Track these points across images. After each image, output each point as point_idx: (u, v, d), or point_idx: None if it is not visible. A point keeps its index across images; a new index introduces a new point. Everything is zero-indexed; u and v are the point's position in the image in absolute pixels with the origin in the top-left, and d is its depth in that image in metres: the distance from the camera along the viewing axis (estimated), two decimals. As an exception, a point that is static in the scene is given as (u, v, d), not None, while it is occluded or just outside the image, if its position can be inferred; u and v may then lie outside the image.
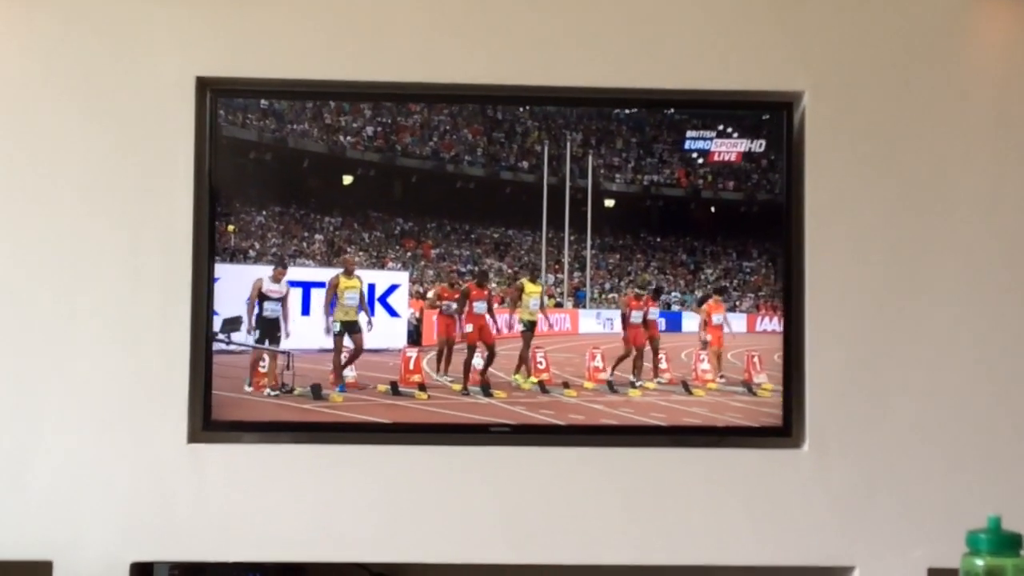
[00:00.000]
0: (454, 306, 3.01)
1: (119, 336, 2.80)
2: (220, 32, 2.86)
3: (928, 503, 2.83)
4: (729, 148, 2.99)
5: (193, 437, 2.82)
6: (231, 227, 2.90)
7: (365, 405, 2.91)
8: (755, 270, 3.06)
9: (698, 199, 3.07)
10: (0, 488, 2.76)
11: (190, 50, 2.85)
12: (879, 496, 2.84)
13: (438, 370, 2.98)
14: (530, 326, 3.01)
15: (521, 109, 3.04)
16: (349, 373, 2.94)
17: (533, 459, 2.84)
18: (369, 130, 3.00)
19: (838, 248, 2.89)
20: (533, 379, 2.99)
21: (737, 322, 3.06)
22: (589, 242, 3.02)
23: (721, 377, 3.01)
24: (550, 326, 3.05)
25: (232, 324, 2.87)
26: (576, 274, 3.06)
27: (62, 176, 2.83)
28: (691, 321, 3.09)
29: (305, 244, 2.97)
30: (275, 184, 2.99)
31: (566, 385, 3.01)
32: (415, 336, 2.99)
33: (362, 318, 2.95)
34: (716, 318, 3.06)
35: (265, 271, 2.92)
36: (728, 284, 3.09)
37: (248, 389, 2.89)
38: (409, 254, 3.02)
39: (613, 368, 3.01)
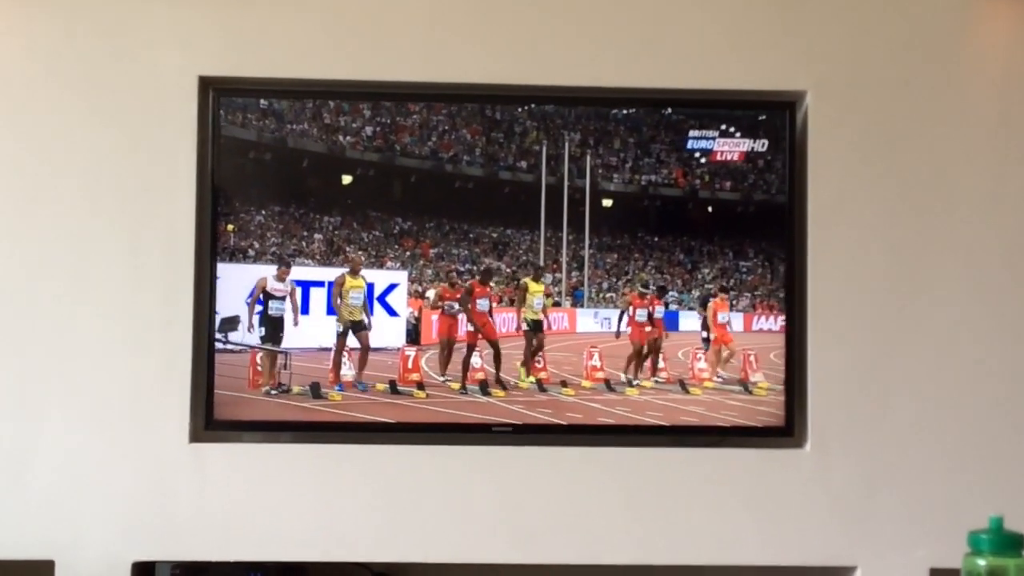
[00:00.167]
0: (456, 306, 3.01)
1: (121, 335, 2.80)
2: (222, 31, 2.86)
3: (930, 503, 2.83)
4: (732, 148, 2.99)
5: (195, 436, 2.82)
6: (230, 227, 2.90)
7: (364, 404, 2.92)
8: (752, 269, 3.06)
9: (695, 199, 3.07)
10: (2, 487, 2.76)
11: (192, 49, 2.85)
12: (881, 496, 2.84)
13: (442, 372, 2.98)
14: (535, 325, 3.01)
15: (520, 109, 3.03)
16: (347, 372, 2.94)
17: (534, 459, 2.84)
18: (368, 130, 3.00)
19: (840, 247, 2.89)
20: (531, 378, 2.99)
21: (734, 321, 3.07)
22: (587, 241, 3.02)
23: (718, 376, 3.01)
24: (548, 325, 3.05)
25: (230, 324, 2.87)
26: (574, 273, 3.06)
27: (64, 175, 2.82)
28: (688, 320, 3.09)
29: (304, 243, 2.97)
30: (275, 184, 2.99)
31: (564, 384, 3.01)
32: (414, 335, 2.99)
33: (365, 317, 2.96)
34: (721, 316, 3.06)
35: (265, 270, 2.92)
36: (725, 283, 3.09)
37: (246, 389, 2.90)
38: (408, 253, 3.02)
39: (626, 368, 3.01)
